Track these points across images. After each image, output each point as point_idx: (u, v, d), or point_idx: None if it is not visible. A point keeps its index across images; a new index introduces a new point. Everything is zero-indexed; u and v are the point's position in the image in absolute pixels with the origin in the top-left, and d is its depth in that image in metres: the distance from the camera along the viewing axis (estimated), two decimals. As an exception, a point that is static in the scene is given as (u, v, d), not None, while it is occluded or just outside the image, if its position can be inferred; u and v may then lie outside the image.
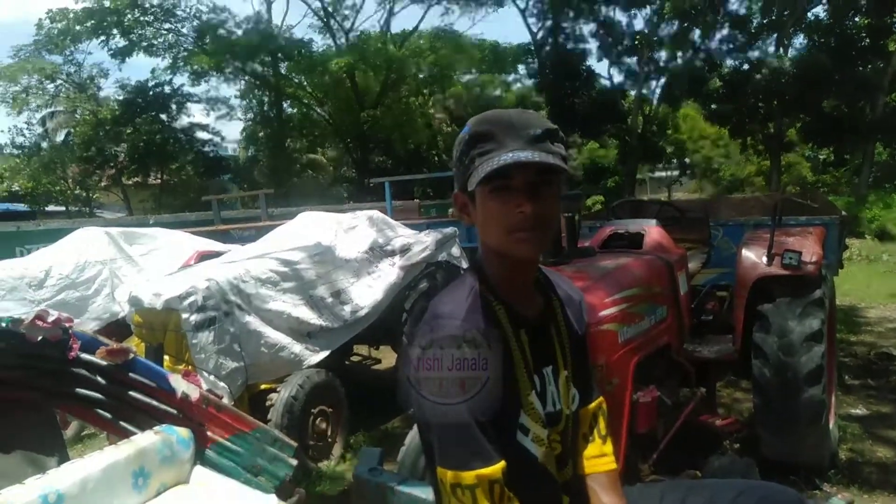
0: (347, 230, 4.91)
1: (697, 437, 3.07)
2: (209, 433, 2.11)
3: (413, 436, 2.58)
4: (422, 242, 4.81)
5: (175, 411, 2.08)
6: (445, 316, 1.19)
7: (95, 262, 5.21)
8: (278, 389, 3.70)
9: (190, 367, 3.50)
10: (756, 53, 21.68)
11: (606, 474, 1.39)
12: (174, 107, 22.52)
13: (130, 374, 2.06)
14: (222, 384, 3.54)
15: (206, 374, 3.52)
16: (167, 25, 20.92)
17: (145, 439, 1.93)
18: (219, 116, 24.62)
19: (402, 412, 4.29)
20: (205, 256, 5.17)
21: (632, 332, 2.52)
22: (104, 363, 2.03)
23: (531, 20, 24.05)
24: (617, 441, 2.40)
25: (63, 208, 20.99)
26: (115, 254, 5.42)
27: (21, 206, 19.48)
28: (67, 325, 2.01)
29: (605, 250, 3.18)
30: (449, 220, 7.15)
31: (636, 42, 22.96)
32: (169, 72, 21.55)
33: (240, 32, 21.20)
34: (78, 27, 19.43)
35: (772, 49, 21.36)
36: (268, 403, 3.66)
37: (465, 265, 5.16)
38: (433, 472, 1.19)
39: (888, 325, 6.77)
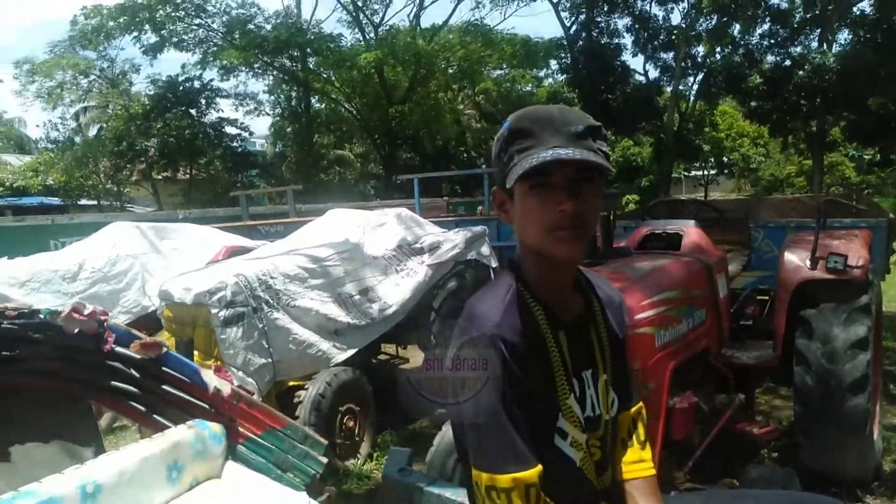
0: (376, 227, 4.90)
1: (734, 445, 3.00)
2: (240, 429, 2.11)
3: (441, 436, 2.55)
4: (451, 241, 4.78)
5: (207, 406, 2.08)
6: (482, 316, 1.16)
7: (127, 256, 5.28)
8: (306, 387, 3.70)
9: (219, 362, 3.51)
10: (798, 49, 21.15)
11: (645, 480, 1.35)
12: (203, 102, 22.76)
13: (163, 369, 2.07)
14: (250, 380, 3.55)
15: (234, 369, 3.53)
16: (197, 21, 21.15)
17: (179, 433, 1.93)
18: (247, 112, 24.73)
19: (429, 413, 4.27)
20: (233, 252, 5.20)
21: (669, 336, 2.46)
22: (138, 357, 2.04)
23: (564, 14, 23.81)
24: (652, 447, 2.36)
25: (95, 202, 21.40)
26: (145, 248, 5.49)
27: (55, 200, 19.95)
28: (103, 318, 2.02)
29: (641, 251, 3.12)
30: (478, 218, 7.09)
31: (673, 37, 22.57)
32: (199, 67, 21.82)
33: (269, 27, 21.37)
34: (111, 23, 19.75)
35: (815, 45, 20.82)
36: (295, 400, 3.65)
37: (494, 264, 5.12)
38: (467, 473, 1.17)
39: (935, 333, 6.54)
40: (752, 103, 22.43)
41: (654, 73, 24.09)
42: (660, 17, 23.03)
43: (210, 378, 2.12)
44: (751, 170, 32.95)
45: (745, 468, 2.70)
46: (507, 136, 1.16)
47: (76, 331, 1.96)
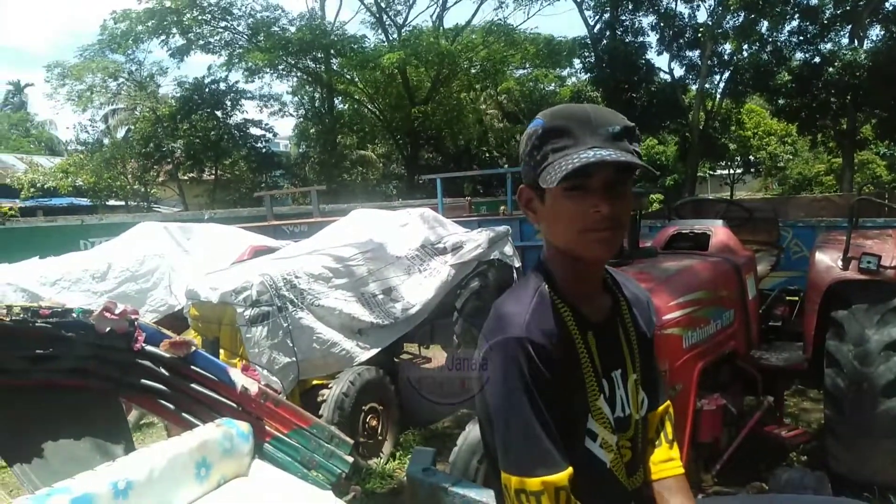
0: (399, 227, 4.91)
1: (763, 448, 2.95)
2: (267, 427, 2.13)
3: (465, 436, 2.55)
4: (474, 240, 4.77)
5: (234, 405, 2.11)
6: (510, 317, 1.15)
7: (154, 256, 5.36)
8: (330, 385, 3.72)
9: (245, 360, 3.55)
10: (828, 46, 20.70)
11: (674, 479, 1.33)
12: (229, 103, 23.03)
13: (192, 367, 2.10)
14: (275, 379, 3.58)
15: (258, 368, 3.56)
16: (223, 24, 21.40)
17: (207, 432, 1.96)
18: (271, 113, 24.95)
19: (452, 412, 4.27)
20: (258, 252, 5.25)
21: (697, 338, 2.43)
22: (167, 355, 2.07)
23: (588, 13, 23.63)
24: (679, 449, 2.33)
25: (122, 203, 21.78)
26: (172, 248, 5.57)
27: (84, 201, 20.34)
28: (133, 317, 2.06)
29: (667, 251, 3.08)
30: (500, 218, 7.07)
31: (699, 35, 22.25)
32: (224, 69, 22.08)
33: (293, 29, 21.54)
34: (139, 27, 20.09)
35: (845, 41, 20.36)
36: (319, 399, 3.68)
37: (517, 263, 5.10)
38: (495, 474, 1.16)
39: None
40: (780, 101, 22.03)
41: (679, 72, 23.79)
42: (685, 15, 22.74)
43: (238, 377, 2.14)
44: (778, 168, 32.34)
45: (773, 472, 2.65)
46: (541, 134, 1.14)
47: (107, 329, 2.00)
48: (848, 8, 19.90)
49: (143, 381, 2.05)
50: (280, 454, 2.09)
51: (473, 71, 22.80)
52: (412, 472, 2.12)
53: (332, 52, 21.23)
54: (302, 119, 26.08)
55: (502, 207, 9.41)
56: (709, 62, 22.10)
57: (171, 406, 2.07)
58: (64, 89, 21.51)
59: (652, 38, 23.03)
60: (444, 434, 4.24)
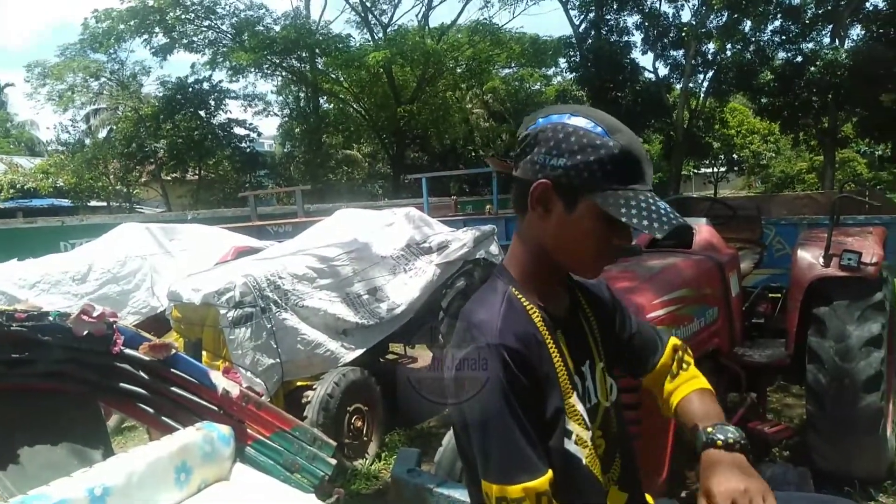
0: (384, 227, 4.89)
1: (746, 444, 2.95)
2: (249, 430, 2.11)
3: (450, 437, 2.54)
4: (459, 240, 4.76)
5: (216, 408, 2.08)
6: (481, 325, 1.13)
7: (136, 257, 5.29)
8: (314, 387, 3.69)
9: (228, 362, 3.52)
10: (810, 45, 20.94)
11: (699, 391, 1.35)
12: (212, 103, 22.87)
13: (172, 370, 2.07)
14: (258, 381, 3.55)
15: (242, 370, 3.53)
16: (207, 23, 21.25)
17: (187, 435, 1.93)
18: (256, 112, 24.82)
19: (438, 413, 4.25)
20: (241, 252, 5.21)
21: (681, 335, 2.42)
22: (147, 358, 2.04)
23: (573, 12, 23.75)
24: (663, 448, 2.34)
25: (105, 203, 21.54)
26: (154, 249, 5.50)
27: (65, 202, 20.10)
28: (112, 319, 2.02)
29: (651, 249, 3.09)
30: (486, 217, 7.07)
31: (683, 34, 22.41)
32: (208, 68, 21.92)
33: (278, 29, 21.43)
34: (122, 26, 19.88)
35: (826, 41, 20.60)
36: (304, 401, 3.65)
37: (502, 262, 5.09)
38: (474, 484, 1.15)
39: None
40: (763, 100, 22.27)
41: (663, 71, 23.99)
42: (669, 15, 22.93)
43: (219, 380, 2.12)
44: (761, 166, 32.71)
45: (757, 467, 2.66)
46: (616, 156, 1.09)
47: (85, 333, 1.97)
48: (829, 8, 20.15)
49: (122, 384, 2.02)
50: (262, 457, 2.06)
51: (459, 70, 22.83)
52: (397, 473, 2.11)
53: (316, 51, 21.16)
54: (287, 119, 25.98)
55: (488, 207, 9.43)
56: (693, 61, 22.30)
57: (151, 410, 2.04)
58: (45, 89, 21.32)
59: (637, 37, 23.23)
60: (429, 434, 4.23)
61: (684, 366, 1.41)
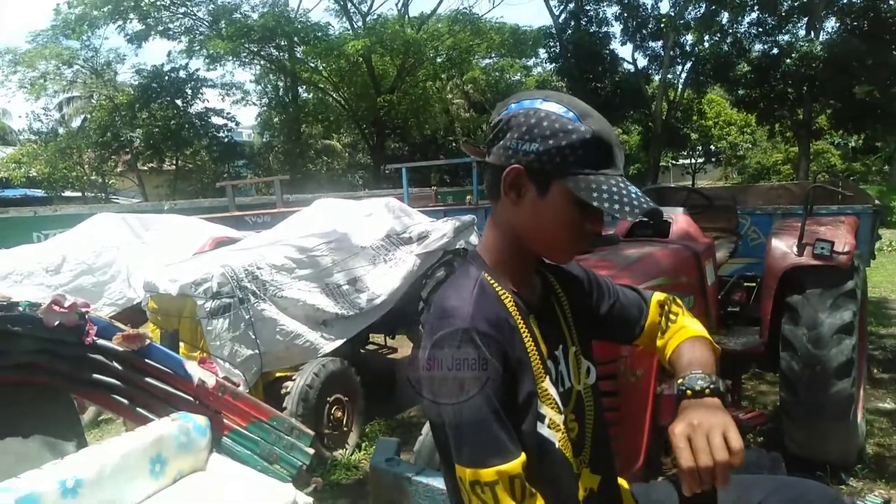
0: (364, 217, 4.86)
1: (721, 431, 2.99)
2: (226, 421, 2.09)
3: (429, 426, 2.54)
4: (439, 230, 4.75)
5: (191, 398, 2.06)
6: (453, 310, 1.13)
7: (111, 248, 5.20)
8: (293, 377, 3.67)
9: (205, 354, 3.48)
10: (786, 37, 21.23)
11: (688, 340, 1.33)
12: (189, 92, 22.52)
13: (147, 361, 2.04)
14: (237, 372, 3.52)
15: (220, 361, 3.50)
16: (183, 9, 20.88)
17: (162, 426, 1.91)
18: (234, 101, 24.56)
19: (418, 402, 4.26)
20: (220, 243, 5.15)
21: (657, 323, 2.45)
22: (120, 349, 2.01)
23: (553, 3, 23.78)
24: (640, 434, 2.37)
25: (79, 194, 21.17)
26: (130, 239, 5.42)
27: (38, 192, 19.71)
28: (84, 310, 1.99)
29: (629, 238, 3.11)
30: (466, 207, 7.07)
31: (661, 25, 22.58)
32: (184, 56, 21.56)
33: (255, 16, 21.13)
34: (95, 12, 19.44)
35: (802, 33, 20.88)
36: (283, 391, 3.63)
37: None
38: (447, 469, 1.15)
39: (918, 318, 6.62)
40: (740, 91, 22.55)
41: (642, 62, 24.17)
42: (648, 6, 23.12)
43: (194, 370, 2.09)
44: (738, 158, 33.12)
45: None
46: (588, 140, 1.09)
47: (56, 323, 1.93)
48: (805, 0, 20.39)
49: (95, 375, 1.99)
50: (239, 448, 2.05)
51: (439, 60, 22.73)
52: (376, 463, 2.10)
53: (295, 39, 20.91)
54: (265, 108, 25.69)
55: (468, 197, 9.42)
56: (671, 52, 22.47)
57: (125, 401, 2.02)
58: (16, 76, 20.75)
59: (616, 28, 23.37)
60: (410, 424, 4.23)
61: (672, 317, 1.41)
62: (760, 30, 21.64)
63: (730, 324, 3.43)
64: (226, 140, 23.58)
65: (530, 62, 26.98)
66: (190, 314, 3.64)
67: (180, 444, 1.89)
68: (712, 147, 32.30)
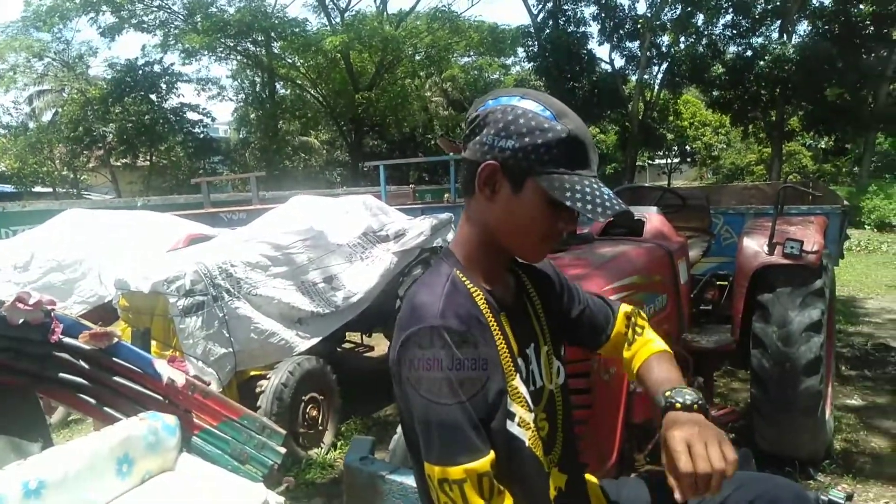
0: (341, 215, 4.83)
1: (693, 427, 3.02)
2: (196, 420, 2.06)
3: (404, 424, 2.53)
4: (417, 228, 4.74)
5: (161, 397, 2.03)
6: (424, 306, 1.12)
7: (82, 245, 5.09)
8: (268, 376, 3.63)
9: (177, 352, 3.43)
10: (759, 40, 21.59)
11: (656, 356, 1.37)
12: (164, 86, 22.19)
13: (115, 359, 2.00)
14: (210, 370, 3.47)
15: (194, 360, 3.45)
16: (157, 2, 20.56)
17: (130, 426, 1.87)
18: (210, 97, 24.30)
19: (393, 400, 4.25)
20: (194, 240, 5.06)
21: (631, 322, 2.47)
22: (87, 347, 1.97)
23: (531, 2, 23.88)
24: (613, 432, 2.38)
25: (50, 189, 20.73)
26: (102, 236, 5.31)
27: (7, 188, 19.26)
28: (50, 307, 1.94)
29: (603, 237, 3.12)
30: (444, 206, 7.06)
31: (638, 26, 22.81)
32: (159, 50, 21.23)
33: (232, 11, 20.87)
34: (67, 3, 19.06)
35: (775, 35, 21.24)
36: (257, 390, 3.59)
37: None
38: (417, 466, 1.15)
39: (886, 316, 6.77)
40: (715, 93, 22.86)
41: (619, 62, 24.40)
42: (625, 7, 23.33)
43: (164, 368, 2.06)
44: (713, 158, 33.59)
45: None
46: (564, 140, 1.10)
47: (20, 321, 1.88)
48: (778, 3, 20.75)
49: (62, 374, 1.94)
50: (209, 447, 2.02)
51: (418, 57, 22.70)
52: (350, 461, 2.09)
53: (272, 35, 20.72)
54: (242, 104, 25.43)
55: (446, 195, 9.42)
56: (647, 53, 22.72)
57: (93, 400, 1.97)
58: (-16, 69, 20.26)
59: (594, 28, 23.61)
60: (385, 422, 4.22)
61: (638, 330, 1.44)
62: (735, 32, 21.99)
63: (702, 322, 3.47)
64: (201, 136, 23.29)
65: (509, 61, 27.13)
66: (162, 312, 3.58)
67: (148, 443, 1.86)
68: (688, 147, 32.72)
